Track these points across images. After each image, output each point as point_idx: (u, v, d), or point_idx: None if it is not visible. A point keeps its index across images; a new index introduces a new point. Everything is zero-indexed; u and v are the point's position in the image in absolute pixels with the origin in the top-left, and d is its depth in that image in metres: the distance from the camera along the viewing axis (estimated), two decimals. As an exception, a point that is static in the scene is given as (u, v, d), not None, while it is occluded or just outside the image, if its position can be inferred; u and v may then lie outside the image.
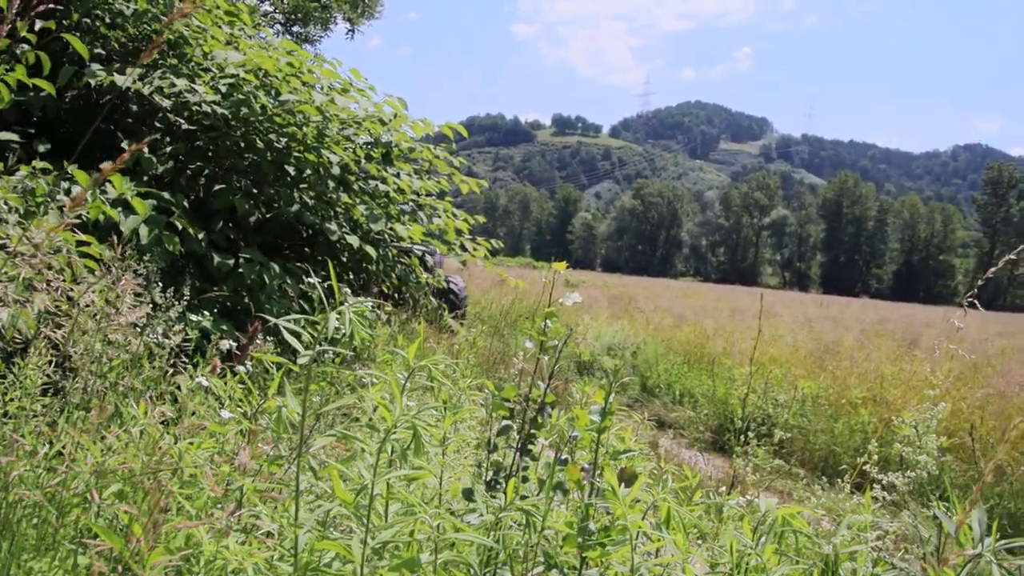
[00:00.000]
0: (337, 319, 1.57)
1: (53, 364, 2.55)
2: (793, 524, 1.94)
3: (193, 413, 2.52)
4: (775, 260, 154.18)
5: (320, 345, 1.62)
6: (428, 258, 9.17)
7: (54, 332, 2.14)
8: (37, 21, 3.65)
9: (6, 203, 2.98)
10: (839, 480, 3.68)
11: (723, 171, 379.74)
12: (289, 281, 5.82)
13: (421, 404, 1.78)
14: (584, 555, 1.73)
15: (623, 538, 1.70)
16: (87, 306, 2.30)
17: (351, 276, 6.99)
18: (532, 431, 2.38)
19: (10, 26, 2.52)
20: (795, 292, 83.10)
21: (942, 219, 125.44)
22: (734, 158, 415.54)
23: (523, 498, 1.94)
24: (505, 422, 2.40)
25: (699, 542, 2.27)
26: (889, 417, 9.00)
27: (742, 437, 3.23)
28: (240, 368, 3.22)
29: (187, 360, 3.76)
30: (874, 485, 2.46)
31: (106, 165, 2.00)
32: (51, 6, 3.49)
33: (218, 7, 6.49)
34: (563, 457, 2.29)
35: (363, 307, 1.63)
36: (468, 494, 2.19)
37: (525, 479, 2.45)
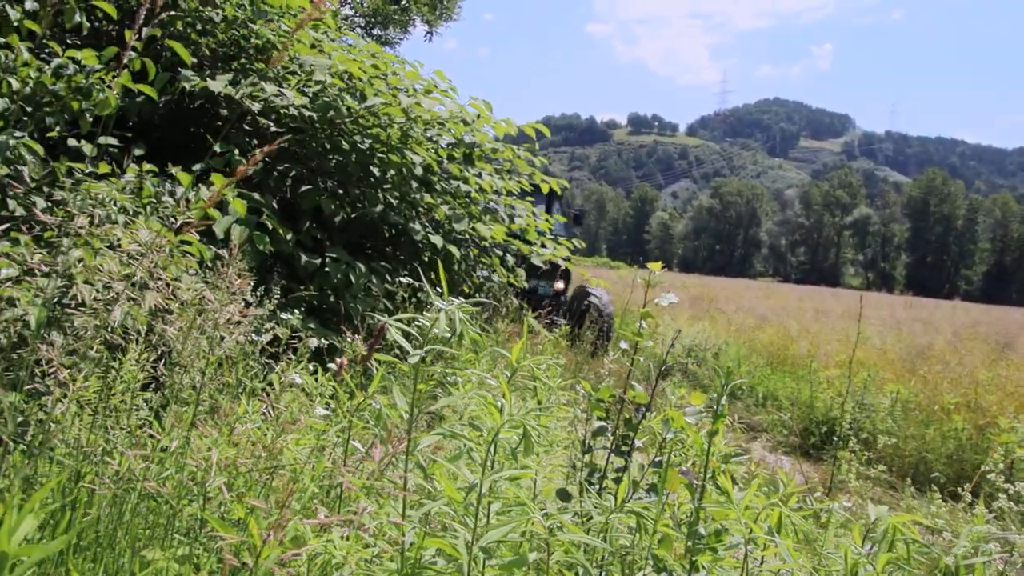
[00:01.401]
0: (445, 318, 1.58)
1: (156, 359, 2.63)
2: (904, 533, 1.88)
3: (287, 409, 2.57)
4: (857, 260, 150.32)
5: (426, 345, 1.63)
6: (509, 258, 9.19)
7: (164, 328, 2.21)
8: (144, 29, 3.79)
9: (115, 203, 3.10)
10: (931, 488, 3.55)
11: (803, 169, 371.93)
12: (374, 280, 5.89)
13: (522, 404, 1.78)
14: (694, 559, 1.70)
15: (735, 542, 1.67)
16: (195, 303, 2.36)
17: (433, 276, 7.05)
18: (627, 432, 2.35)
19: (121, 34, 2.61)
20: (880, 293, 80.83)
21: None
22: (815, 156, 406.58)
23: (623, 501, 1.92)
24: (600, 423, 2.39)
25: (800, 548, 2.22)
26: (985, 423, 8.67)
27: (839, 442, 3.14)
28: (331, 366, 3.26)
29: (276, 358, 3.84)
30: (997, 495, 2.36)
31: (215, 176, 2.04)
32: (162, 16, 3.61)
33: (304, 10, 6.62)
34: (658, 459, 2.26)
35: (469, 307, 1.64)
36: (564, 495, 2.18)
37: (618, 480, 2.42)
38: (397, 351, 1.80)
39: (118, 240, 2.71)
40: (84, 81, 3.89)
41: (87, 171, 3.57)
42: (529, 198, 9.01)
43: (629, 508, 1.78)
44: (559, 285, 14.37)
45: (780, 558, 1.75)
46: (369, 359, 2.31)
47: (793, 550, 1.71)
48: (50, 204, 3.37)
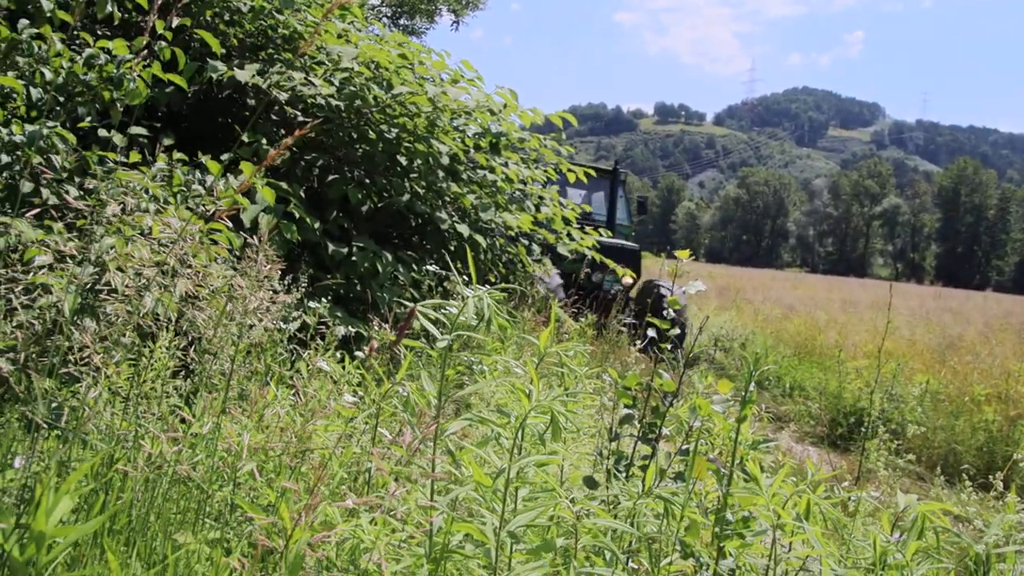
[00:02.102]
0: (476, 305, 1.58)
1: (185, 346, 2.66)
2: (933, 522, 1.86)
3: (315, 396, 2.59)
4: (886, 251, 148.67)
5: (454, 331, 1.64)
6: (535, 247, 9.16)
7: (195, 315, 2.23)
8: (175, 19, 3.81)
9: (146, 191, 3.13)
10: (960, 479, 3.51)
11: (832, 159, 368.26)
12: (401, 269, 5.91)
13: (549, 391, 1.78)
14: (721, 545, 1.70)
15: (762, 528, 1.67)
16: (225, 291, 2.39)
17: (459, 265, 7.06)
18: (654, 420, 2.35)
19: (151, 24, 2.64)
20: (909, 284, 79.96)
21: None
22: (844, 145, 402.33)
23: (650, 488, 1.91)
24: (627, 410, 2.38)
25: (829, 536, 2.21)
26: (1016, 415, 8.56)
27: (867, 431, 3.11)
28: (359, 354, 3.28)
29: (304, 345, 3.87)
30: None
31: (244, 163, 2.05)
32: (191, 5, 3.65)
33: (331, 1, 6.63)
34: (685, 447, 2.25)
35: (497, 293, 1.64)
36: (590, 482, 2.18)
37: (645, 468, 2.42)
38: (424, 338, 1.81)
39: (149, 228, 2.73)
40: (115, 71, 3.93)
41: (118, 160, 3.61)
42: (555, 188, 8.96)
43: (657, 494, 1.78)
44: (627, 280, 12.00)
45: (808, 545, 1.74)
46: (398, 344, 2.32)
47: (822, 537, 1.70)
48: (82, 192, 3.41)
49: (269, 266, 2.26)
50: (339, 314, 5.13)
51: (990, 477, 2.70)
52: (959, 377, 10.19)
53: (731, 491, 1.75)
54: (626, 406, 2.38)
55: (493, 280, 7.89)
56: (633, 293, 12.73)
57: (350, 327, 5.03)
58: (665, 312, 9.44)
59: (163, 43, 3.95)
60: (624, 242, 13.38)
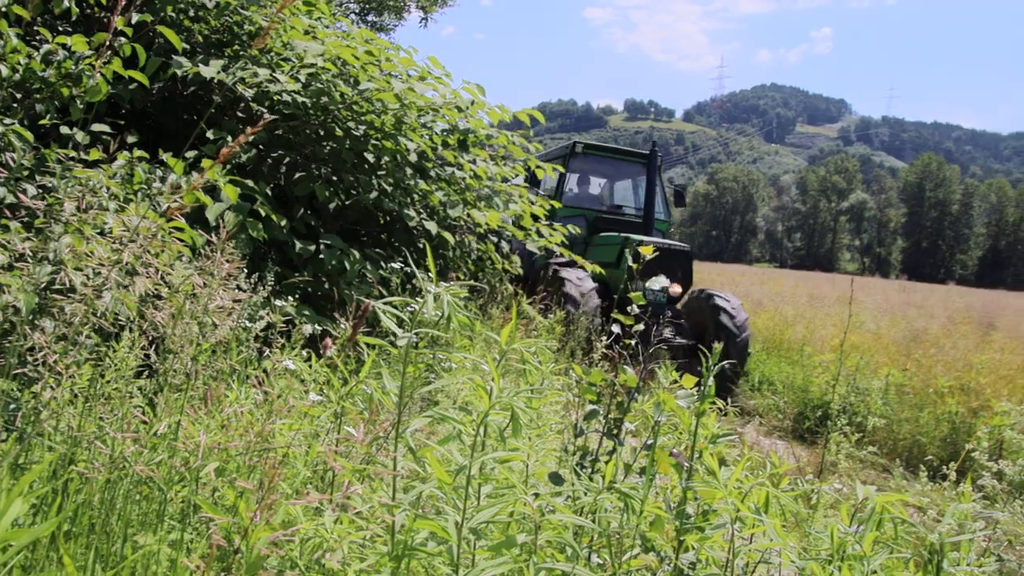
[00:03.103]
0: (435, 302, 1.58)
1: (145, 346, 2.63)
2: (891, 512, 1.89)
3: (280, 395, 2.57)
4: (854, 245, 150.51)
5: (415, 328, 1.64)
6: (504, 244, 9.12)
7: (155, 314, 2.21)
8: (134, 15, 3.76)
9: (108, 189, 3.09)
10: (921, 469, 3.57)
11: (800, 155, 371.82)
12: (369, 267, 5.89)
13: (512, 387, 1.78)
14: (682, 539, 1.71)
15: (722, 521, 1.68)
16: (187, 290, 2.36)
17: (428, 262, 7.04)
18: (619, 416, 2.36)
19: (112, 20, 2.60)
20: (875, 278, 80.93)
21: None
22: (811, 141, 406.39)
23: (612, 483, 1.93)
24: (591, 406, 2.40)
25: (789, 528, 2.23)
26: (979, 406, 8.72)
27: (830, 424, 3.15)
28: (329, 352, 3.27)
29: (270, 344, 3.84)
30: (982, 474, 2.37)
31: (205, 157, 2.04)
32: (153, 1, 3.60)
33: (297, -5, 6.59)
34: (649, 442, 2.27)
35: (459, 290, 1.64)
36: (556, 478, 2.19)
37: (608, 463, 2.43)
38: (391, 336, 1.80)
39: (109, 227, 2.70)
40: (74, 67, 3.87)
41: (77, 157, 3.56)
42: (524, 185, 8.95)
43: (617, 489, 1.79)
44: (676, 288, 10.00)
45: (768, 537, 1.76)
46: (354, 338, 2.31)
47: (781, 529, 1.72)
48: (40, 191, 3.36)
49: (229, 264, 2.25)
50: (306, 312, 5.10)
51: (950, 467, 2.75)
52: (923, 369, 10.35)
53: (691, 485, 1.77)
54: (591, 402, 2.39)
55: (462, 277, 7.88)
56: (679, 305, 10.57)
57: (317, 325, 5.01)
58: (726, 330, 8.45)
59: (123, 39, 3.90)
60: (673, 242, 10.91)
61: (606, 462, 2.34)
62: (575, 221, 10.46)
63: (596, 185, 13.19)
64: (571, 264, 9.97)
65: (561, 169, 11.42)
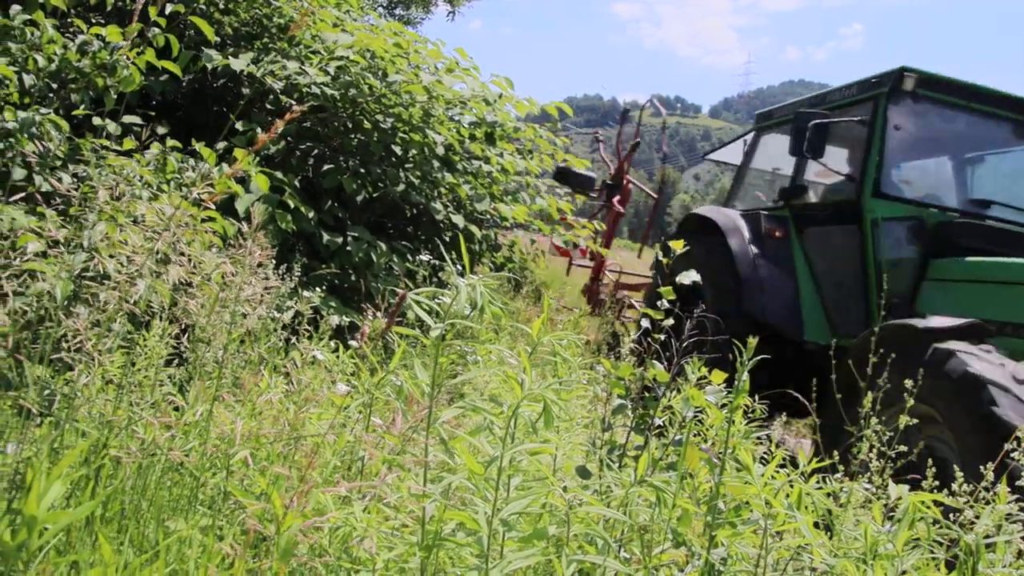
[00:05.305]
0: (468, 293, 1.58)
1: (177, 334, 2.65)
2: (924, 512, 1.87)
3: (308, 385, 2.58)
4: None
5: (447, 319, 1.63)
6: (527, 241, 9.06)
7: (187, 302, 2.23)
8: (168, 5, 3.79)
9: (141, 178, 3.12)
10: (955, 468, 3.51)
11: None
12: (395, 259, 5.90)
13: (542, 380, 1.78)
14: (713, 534, 1.70)
15: (753, 517, 1.67)
16: (219, 279, 2.38)
17: (454, 255, 7.05)
18: (647, 410, 2.35)
19: (144, 10, 2.63)
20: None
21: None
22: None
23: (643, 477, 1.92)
24: (620, 401, 2.38)
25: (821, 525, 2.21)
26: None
27: (862, 421, 3.10)
28: (352, 343, 3.28)
29: (297, 335, 3.86)
30: (1020, 474, 2.34)
31: (235, 147, 2.04)
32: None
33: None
34: (678, 438, 2.25)
35: (491, 282, 1.64)
36: (583, 472, 2.18)
37: (637, 458, 2.42)
38: (420, 328, 1.81)
39: (142, 215, 2.73)
40: (109, 58, 3.91)
41: (111, 147, 3.59)
42: (548, 179, 8.91)
43: (649, 483, 1.78)
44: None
45: (799, 534, 1.74)
46: (389, 330, 2.32)
47: (812, 527, 1.70)
48: (75, 179, 3.40)
49: (261, 252, 2.26)
50: (333, 304, 5.13)
51: (987, 467, 2.70)
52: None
53: (723, 480, 1.75)
54: (619, 396, 2.38)
55: (488, 270, 7.88)
56: None
57: (344, 317, 5.03)
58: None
59: (156, 30, 3.93)
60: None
61: (635, 457, 2.33)
62: (892, 228, 5.85)
63: (934, 162, 6.93)
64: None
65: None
